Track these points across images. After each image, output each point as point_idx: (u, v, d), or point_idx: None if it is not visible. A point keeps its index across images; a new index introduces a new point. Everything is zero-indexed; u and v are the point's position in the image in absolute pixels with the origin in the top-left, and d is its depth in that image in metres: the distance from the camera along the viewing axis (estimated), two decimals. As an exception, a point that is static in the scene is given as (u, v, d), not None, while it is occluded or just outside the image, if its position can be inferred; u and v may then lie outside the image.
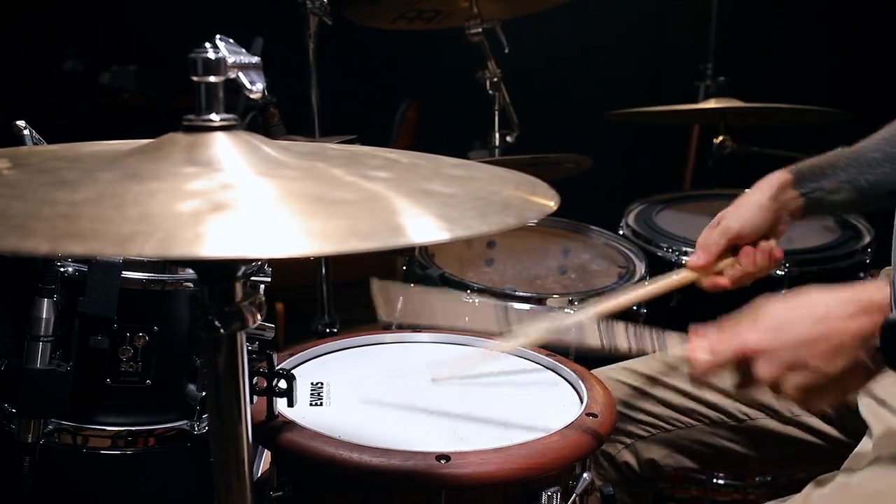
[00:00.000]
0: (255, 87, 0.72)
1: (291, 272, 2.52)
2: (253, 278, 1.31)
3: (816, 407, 0.96)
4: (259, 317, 0.76)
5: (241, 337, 0.76)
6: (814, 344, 0.95)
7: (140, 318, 1.17)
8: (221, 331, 0.73)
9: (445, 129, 3.67)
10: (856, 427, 1.22)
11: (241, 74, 0.72)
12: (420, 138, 3.75)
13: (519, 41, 2.43)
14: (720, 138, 2.35)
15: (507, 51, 2.26)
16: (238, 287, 0.74)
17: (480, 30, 2.19)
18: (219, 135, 0.70)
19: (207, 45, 0.71)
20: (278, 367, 1.19)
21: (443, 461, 0.98)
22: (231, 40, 0.77)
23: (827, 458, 1.30)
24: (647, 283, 1.44)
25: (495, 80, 2.27)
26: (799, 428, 1.35)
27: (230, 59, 0.71)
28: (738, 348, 0.99)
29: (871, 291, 0.96)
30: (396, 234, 0.53)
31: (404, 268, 1.88)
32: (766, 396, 1.37)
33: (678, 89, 3.26)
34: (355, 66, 3.97)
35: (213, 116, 0.70)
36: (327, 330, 2.13)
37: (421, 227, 0.55)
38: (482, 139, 2.33)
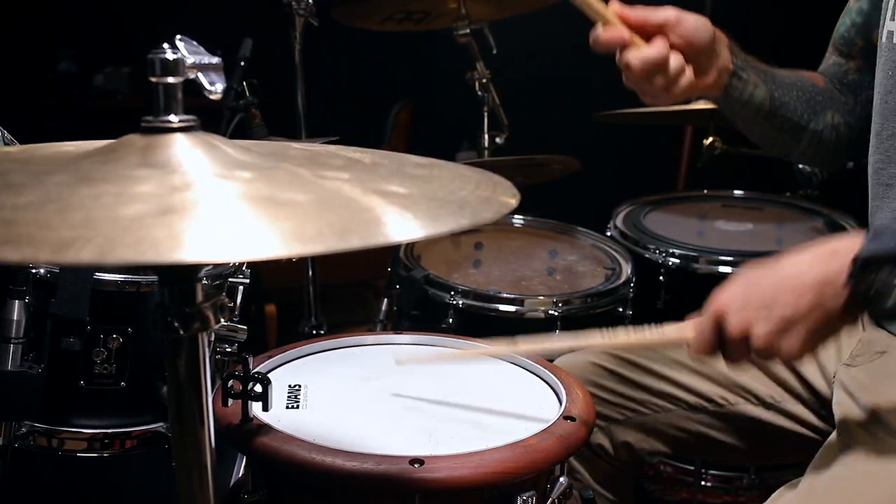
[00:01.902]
0: (215, 87, 0.72)
1: (284, 273, 2.52)
2: (231, 280, 1.31)
3: (788, 350, 0.96)
4: (222, 318, 0.75)
5: (203, 339, 0.75)
6: (777, 286, 0.96)
7: (114, 319, 1.16)
8: (181, 332, 0.72)
9: (439, 131, 3.66)
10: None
11: (200, 75, 0.72)
12: (413, 140, 3.74)
13: (511, 42, 2.42)
14: (710, 139, 2.35)
15: (494, 52, 2.25)
16: (199, 288, 0.73)
17: (468, 31, 2.19)
18: (177, 136, 0.69)
19: (166, 45, 0.70)
20: (254, 370, 1.19)
21: (416, 465, 0.97)
22: (194, 42, 0.77)
23: (806, 445, 1.29)
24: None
25: (484, 81, 2.27)
26: (779, 414, 1.33)
27: (189, 60, 0.71)
28: (712, 311, 1.00)
29: (836, 240, 0.98)
30: (342, 238, 0.52)
31: (389, 269, 1.87)
32: (748, 374, 1.35)
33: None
34: (349, 68, 3.96)
35: (172, 117, 0.70)
36: (314, 332, 2.12)
37: (369, 229, 0.54)
38: (471, 140, 2.33)
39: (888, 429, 1.07)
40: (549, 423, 1.08)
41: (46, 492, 1.27)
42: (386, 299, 1.87)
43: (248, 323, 2.93)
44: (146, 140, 0.68)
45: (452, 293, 1.70)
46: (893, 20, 1.20)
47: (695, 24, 1.26)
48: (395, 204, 0.59)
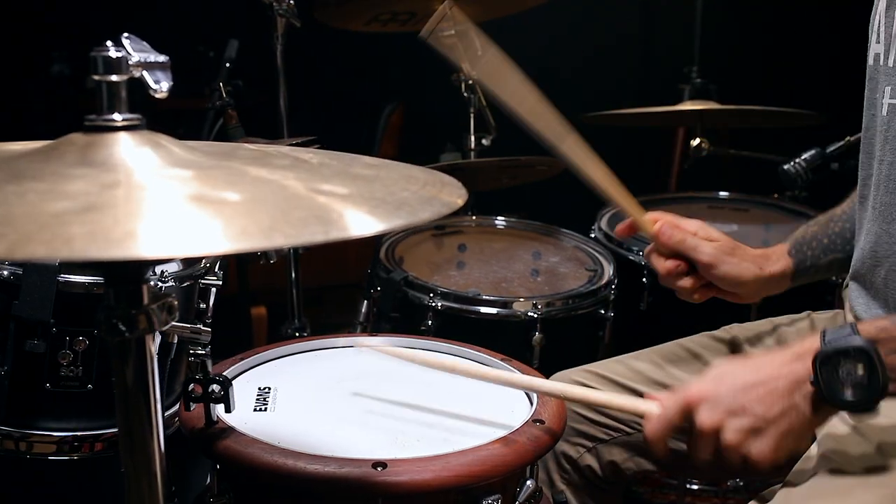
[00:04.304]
0: (160, 86, 0.71)
1: (277, 276, 2.51)
2: (203, 281, 1.30)
3: (758, 452, 0.97)
4: (169, 320, 0.74)
5: (150, 341, 0.74)
6: (751, 389, 0.98)
7: (81, 322, 1.15)
8: (126, 334, 0.71)
9: (430, 132, 3.66)
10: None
11: (145, 73, 0.71)
12: (405, 141, 3.74)
13: (499, 43, 2.41)
14: (697, 141, 2.34)
15: (480, 53, 2.24)
16: (146, 289, 0.72)
17: (453, 32, 2.17)
18: (121, 135, 0.68)
19: (109, 43, 0.70)
20: (226, 372, 1.18)
21: (379, 468, 0.96)
22: (145, 43, 0.76)
23: (784, 463, 1.29)
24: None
25: (470, 82, 2.26)
26: None
27: (134, 58, 0.70)
28: (683, 399, 1.01)
29: (804, 342, 1.01)
30: (267, 237, 0.51)
31: (369, 270, 1.86)
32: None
33: (667, 93, 3.24)
34: (342, 70, 3.96)
35: (116, 116, 0.69)
36: (297, 334, 2.12)
37: (295, 228, 0.53)
38: (455, 142, 2.32)
39: (868, 443, 1.07)
40: (518, 426, 1.07)
41: (16, 495, 1.26)
42: (366, 301, 1.86)
43: (237, 325, 2.91)
44: (88, 139, 0.67)
45: (431, 295, 1.69)
46: (879, 43, 1.21)
47: (724, 277, 1.31)
48: (329, 204, 0.58)
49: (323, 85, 3.75)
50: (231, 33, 2.39)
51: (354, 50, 3.45)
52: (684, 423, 1.01)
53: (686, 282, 1.32)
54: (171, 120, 2.70)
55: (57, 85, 4.24)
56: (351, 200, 0.60)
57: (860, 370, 0.94)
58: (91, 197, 0.55)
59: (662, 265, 1.32)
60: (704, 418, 0.99)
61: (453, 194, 0.66)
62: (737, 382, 0.99)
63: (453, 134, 2.46)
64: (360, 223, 0.56)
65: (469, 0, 2.28)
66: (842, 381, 0.94)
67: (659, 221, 1.34)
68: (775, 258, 1.38)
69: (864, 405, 0.95)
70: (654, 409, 1.05)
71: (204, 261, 1.27)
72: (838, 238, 1.40)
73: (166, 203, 0.57)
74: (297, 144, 1.43)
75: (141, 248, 0.49)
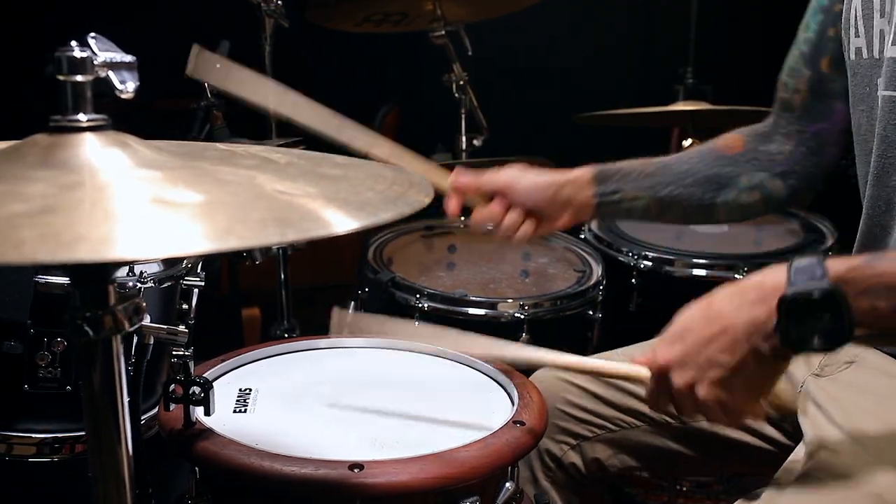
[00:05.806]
0: (126, 86, 0.70)
1: (269, 277, 2.51)
2: (184, 282, 1.30)
3: (736, 402, 0.96)
4: (136, 321, 0.74)
5: (117, 343, 0.73)
6: (713, 341, 0.96)
7: (59, 323, 1.14)
8: (92, 335, 0.70)
9: (426, 133, 3.65)
10: (799, 431, 1.19)
11: (111, 73, 0.70)
12: (402, 142, 3.72)
13: (492, 44, 2.41)
14: (689, 141, 2.33)
15: (470, 53, 2.24)
16: (111, 290, 0.71)
17: (443, 32, 2.18)
18: (86, 136, 0.68)
19: (74, 43, 0.69)
20: (208, 373, 1.18)
21: (356, 470, 0.95)
22: (113, 44, 0.76)
23: (766, 459, 1.28)
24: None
25: (461, 83, 2.26)
26: (742, 430, 1.32)
27: (99, 58, 0.70)
28: (654, 369, 1.00)
29: (762, 277, 0.95)
30: (221, 240, 0.51)
31: (356, 271, 1.86)
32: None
33: (666, 93, 3.23)
34: (338, 70, 3.96)
35: (81, 117, 0.69)
36: (286, 335, 2.11)
37: (251, 231, 0.53)
38: (446, 142, 2.32)
39: (855, 444, 1.06)
40: (498, 427, 1.07)
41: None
42: (353, 302, 1.86)
43: (228, 326, 2.89)
44: (51, 139, 0.66)
45: (418, 296, 1.69)
46: (858, 37, 1.20)
47: (525, 189, 1.35)
48: (290, 205, 0.58)
49: (318, 86, 3.73)
50: (230, 34, 2.38)
51: (350, 50, 3.44)
52: (665, 388, 1.00)
53: (511, 217, 1.35)
54: (168, 120, 2.69)
55: (56, 85, 4.23)
56: (314, 201, 0.59)
57: (826, 318, 0.88)
58: (48, 199, 0.54)
59: (488, 212, 1.36)
60: (678, 380, 0.98)
61: (420, 193, 0.66)
62: (698, 336, 0.97)
63: (450, 134, 2.46)
64: (319, 224, 0.55)
65: (462, 1, 2.29)
66: (807, 328, 0.89)
67: (452, 174, 1.38)
68: (572, 170, 1.39)
69: (828, 349, 0.92)
70: (643, 371, 1.04)
71: (185, 261, 1.26)
72: (647, 178, 1.39)
73: (125, 205, 0.56)
74: (281, 145, 1.43)
75: (92, 251, 0.48)
